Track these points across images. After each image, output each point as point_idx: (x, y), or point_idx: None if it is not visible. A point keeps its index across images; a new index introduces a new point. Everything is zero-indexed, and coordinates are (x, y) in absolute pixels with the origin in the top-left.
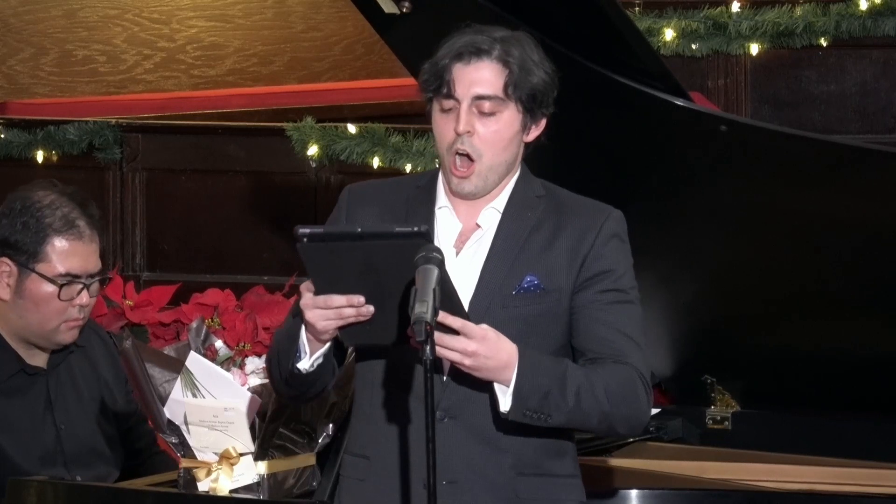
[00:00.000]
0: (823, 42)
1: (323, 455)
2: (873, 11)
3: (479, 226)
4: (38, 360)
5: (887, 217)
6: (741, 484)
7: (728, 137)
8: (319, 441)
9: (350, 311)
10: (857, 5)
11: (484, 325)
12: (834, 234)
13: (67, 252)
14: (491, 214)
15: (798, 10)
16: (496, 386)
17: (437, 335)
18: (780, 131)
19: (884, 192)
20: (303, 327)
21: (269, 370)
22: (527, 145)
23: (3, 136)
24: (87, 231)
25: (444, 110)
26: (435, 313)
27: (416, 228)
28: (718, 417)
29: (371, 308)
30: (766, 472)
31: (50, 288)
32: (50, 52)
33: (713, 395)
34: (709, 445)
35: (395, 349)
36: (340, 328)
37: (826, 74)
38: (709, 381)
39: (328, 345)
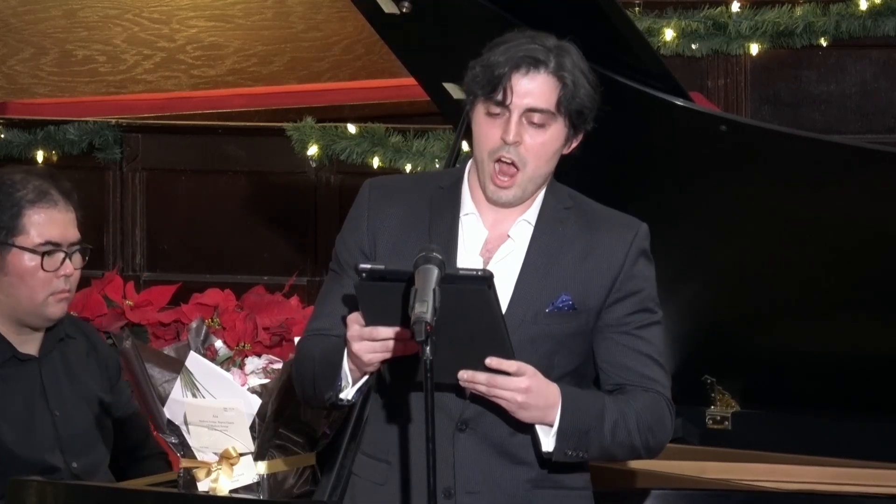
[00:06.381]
0: (823, 42)
1: (323, 455)
2: (873, 11)
3: (509, 237)
4: (30, 347)
5: (888, 217)
6: (741, 484)
7: (728, 137)
8: (319, 441)
9: (398, 344)
10: (857, 5)
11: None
12: (834, 234)
13: (44, 221)
14: (523, 227)
15: (798, 10)
16: (538, 428)
17: (491, 376)
18: (780, 131)
19: (884, 193)
20: (345, 357)
21: (302, 388)
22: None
23: (3, 136)
24: (60, 200)
25: (490, 114)
26: (434, 313)
27: (478, 272)
28: (718, 417)
29: None
30: (766, 472)
31: (32, 260)
32: (50, 52)
33: (713, 395)
34: (709, 445)
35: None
36: (385, 361)
37: (826, 74)
38: (709, 381)
39: (369, 376)
